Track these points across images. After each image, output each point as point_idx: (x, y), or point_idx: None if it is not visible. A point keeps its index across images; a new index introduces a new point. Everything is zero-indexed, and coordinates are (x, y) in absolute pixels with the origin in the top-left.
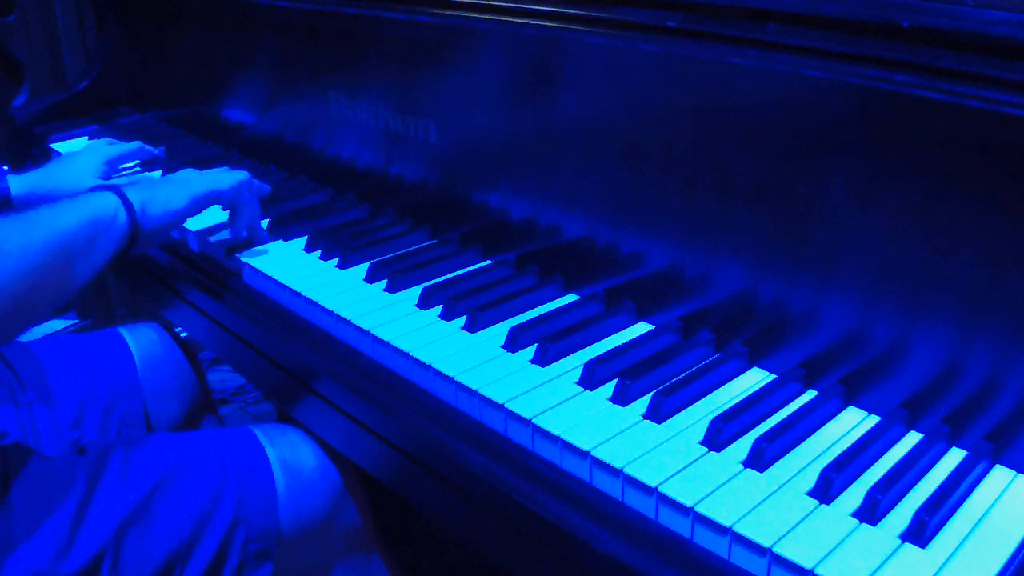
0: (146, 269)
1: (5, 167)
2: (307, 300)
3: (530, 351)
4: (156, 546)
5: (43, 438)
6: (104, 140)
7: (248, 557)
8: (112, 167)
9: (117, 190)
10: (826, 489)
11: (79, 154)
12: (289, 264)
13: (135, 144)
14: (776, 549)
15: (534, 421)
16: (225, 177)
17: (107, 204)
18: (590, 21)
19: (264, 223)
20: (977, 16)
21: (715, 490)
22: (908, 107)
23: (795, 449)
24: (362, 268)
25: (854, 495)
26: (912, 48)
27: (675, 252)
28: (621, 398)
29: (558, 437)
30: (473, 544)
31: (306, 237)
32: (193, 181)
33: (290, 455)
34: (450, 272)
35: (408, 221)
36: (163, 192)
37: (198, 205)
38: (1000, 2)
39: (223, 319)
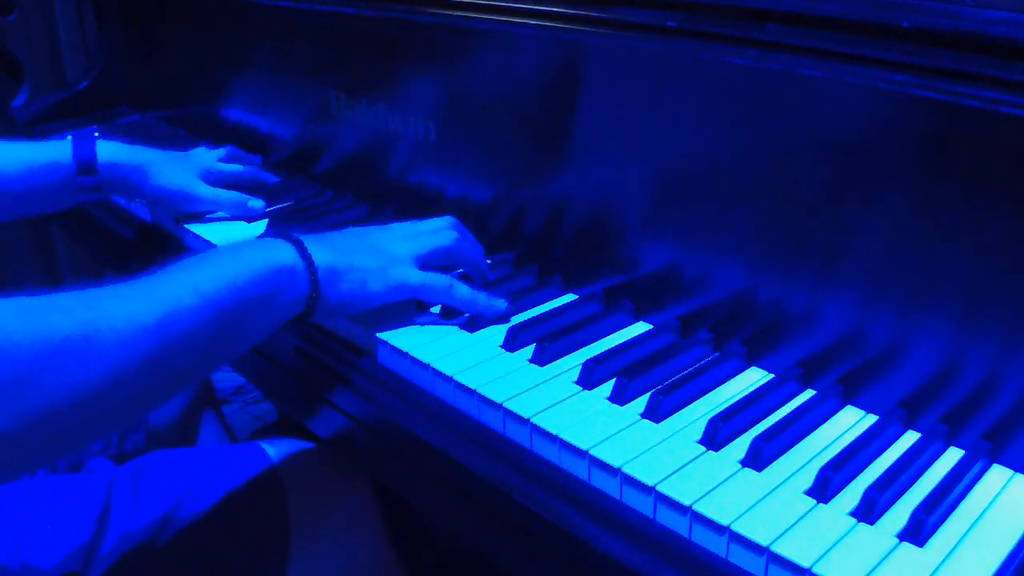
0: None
1: (96, 131)
2: None
3: (528, 350)
4: None
5: None
6: (220, 153)
7: None
8: (218, 180)
9: (298, 244)
10: (824, 488)
11: (188, 152)
12: None
13: (250, 169)
14: (774, 548)
15: (532, 420)
16: (437, 278)
17: (278, 263)
18: (590, 21)
19: (263, 223)
20: (977, 16)
21: (713, 489)
22: (908, 107)
23: (793, 448)
24: None
25: (852, 494)
26: (912, 48)
27: (673, 252)
28: (619, 397)
29: (556, 436)
30: (473, 543)
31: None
32: (403, 261)
33: (301, 471)
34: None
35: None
36: (362, 262)
37: (404, 295)
38: (1000, 2)
39: None
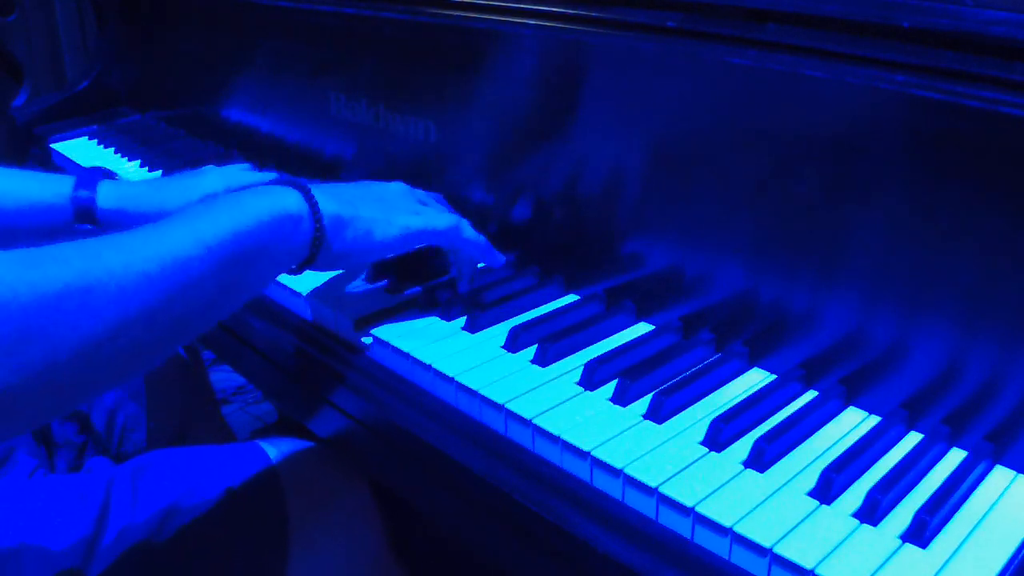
0: None
1: (104, 168)
2: (305, 300)
3: (530, 351)
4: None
5: (52, 445)
6: (241, 168)
7: None
8: None
9: (304, 190)
10: (826, 489)
11: (203, 175)
12: None
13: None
14: (777, 549)
15: (534, 421)
16: (441, 217)
17: (282, 209)
18: (590, 21)
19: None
20: (977, 16)
21: (716, 490)
22: (908, 107)
23: (795, 449)
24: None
25: (854, 495)
26: (912, 48)
27: (675, 252)
28: (621, 398)
29: (558, 437)
30: (474, 544)
31: None
32: (404, 208)
33: (301, 471)
34: (450, 273)
35: None
36: (367, 212)
37: (407, 243)
38: (1000, 2)
39: None
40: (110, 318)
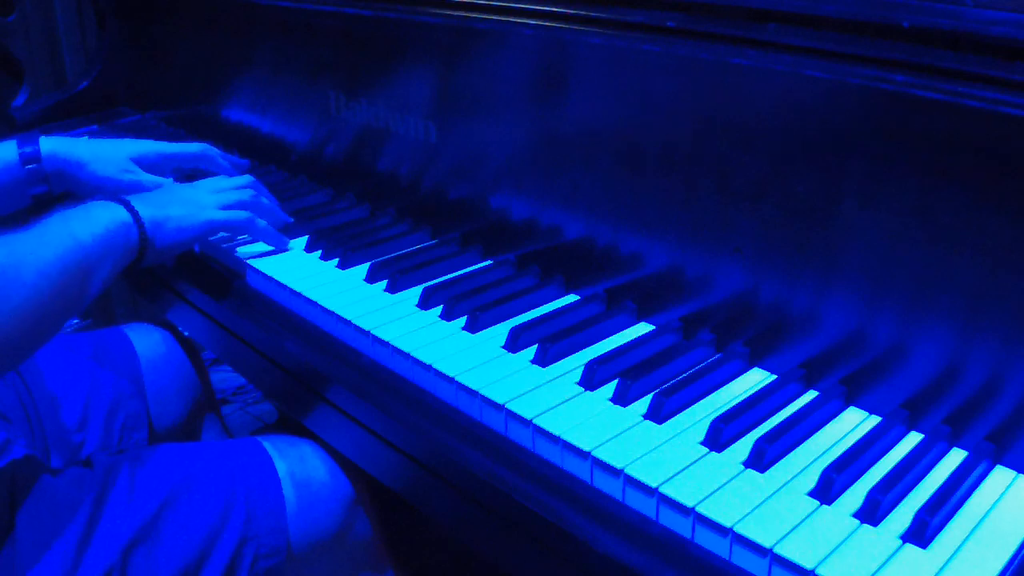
0: (147, 270)
1: (38, 132)
2: (307, 300)
3: (531, 351)
4: (163, 566)
5: (49, 442)
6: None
7: (257, 575)
8: (153, 166)
9: (127, 204)
10: (827, 489)
11: (122, 141)
12: (289, 265)
13: (196, 147)
14: (777, 550)
15: (535, 422)
16: (238, 213)
17: (117, 218)
18: (590, 21)
19: (262, 223)
20: (977, 16)
21: (716, 491)
22: (908, 107)
23: (796, 449)
24: (363, 268)
25: (855, 495)
26: (912, 48)
27: (675, 252)
28: (622, 398)
29: (559, 437)
30: (474, 544)
31: (307, 237)
32: (208, 207)
33: (300, 468)
34: (451, 272)
35: (408, 221)
36: (176, 211)
37: (213, 231)
38: (1000, 2)
39: (225, 321)
40: (31, 292)
